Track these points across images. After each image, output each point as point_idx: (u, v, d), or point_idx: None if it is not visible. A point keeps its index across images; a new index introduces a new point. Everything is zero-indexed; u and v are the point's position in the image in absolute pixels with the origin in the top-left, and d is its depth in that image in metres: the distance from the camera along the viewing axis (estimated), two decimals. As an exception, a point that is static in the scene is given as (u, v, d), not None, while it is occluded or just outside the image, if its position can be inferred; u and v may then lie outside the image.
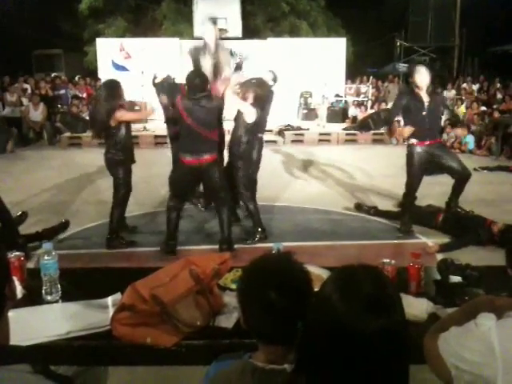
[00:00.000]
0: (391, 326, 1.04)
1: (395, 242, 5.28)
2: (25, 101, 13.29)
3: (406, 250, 4.69)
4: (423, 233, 5.49)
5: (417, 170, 5.30)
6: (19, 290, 2.06)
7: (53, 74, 17.45)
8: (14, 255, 2.23)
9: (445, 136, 11.41)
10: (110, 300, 2.11)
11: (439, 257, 4.13)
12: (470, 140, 10.99)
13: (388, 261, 2.25)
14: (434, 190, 6.32)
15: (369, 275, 1.11)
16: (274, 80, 5.74)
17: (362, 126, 12.72)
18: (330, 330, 1.06)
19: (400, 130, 5.52)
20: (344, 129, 13.13)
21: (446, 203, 5.61)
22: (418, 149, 5.23)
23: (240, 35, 16.33)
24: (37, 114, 12.66)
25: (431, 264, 2.52)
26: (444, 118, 13.28)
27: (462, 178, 5.39)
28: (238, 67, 5.68)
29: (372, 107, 14.38)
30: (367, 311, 1.02)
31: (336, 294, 1.07)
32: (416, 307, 1.97)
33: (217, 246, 4.85)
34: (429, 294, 2.17)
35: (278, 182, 7.63)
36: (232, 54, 6.02)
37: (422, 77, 5.13)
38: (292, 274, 1.40)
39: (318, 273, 2.13)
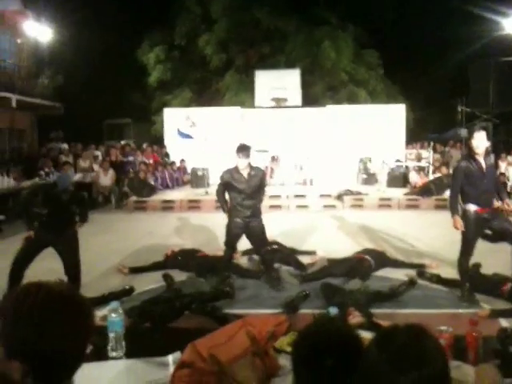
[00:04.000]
0: (423, 380, 1.04)
1: (457, 311, 5.10)
2: (95, 167, 14.11)
3: (467, 319, 4.53)
4: (489, 302, 5.28)
5: (471, 235, 5.21)
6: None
7: (122, 142, 18.53)
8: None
9: None
10: (170, 358, 2.20)
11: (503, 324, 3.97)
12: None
13: (445, 328, 2.23)
14: (500, 259, 6.10)
15: (407, 330, 1.14)
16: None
17: (424, 191, 12.61)
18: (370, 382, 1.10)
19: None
20: (405, 194, 13.00)
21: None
22: (473, 213, 5.16)
23: (300, 103, 16.82)
24: (106, 179, 13.37)
25: (491, 333, 2.47)
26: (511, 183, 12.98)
27: None
28: None
29: (434, 172, 14.23)
30: (399, 362, 1.05)
31: (374, 348, 1.12)
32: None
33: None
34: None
35: (336, 248, 7.59)
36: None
37: (479, 142, 5.07)
38: (344, 338, 1.43)
39: (369, 337, 2.13)
